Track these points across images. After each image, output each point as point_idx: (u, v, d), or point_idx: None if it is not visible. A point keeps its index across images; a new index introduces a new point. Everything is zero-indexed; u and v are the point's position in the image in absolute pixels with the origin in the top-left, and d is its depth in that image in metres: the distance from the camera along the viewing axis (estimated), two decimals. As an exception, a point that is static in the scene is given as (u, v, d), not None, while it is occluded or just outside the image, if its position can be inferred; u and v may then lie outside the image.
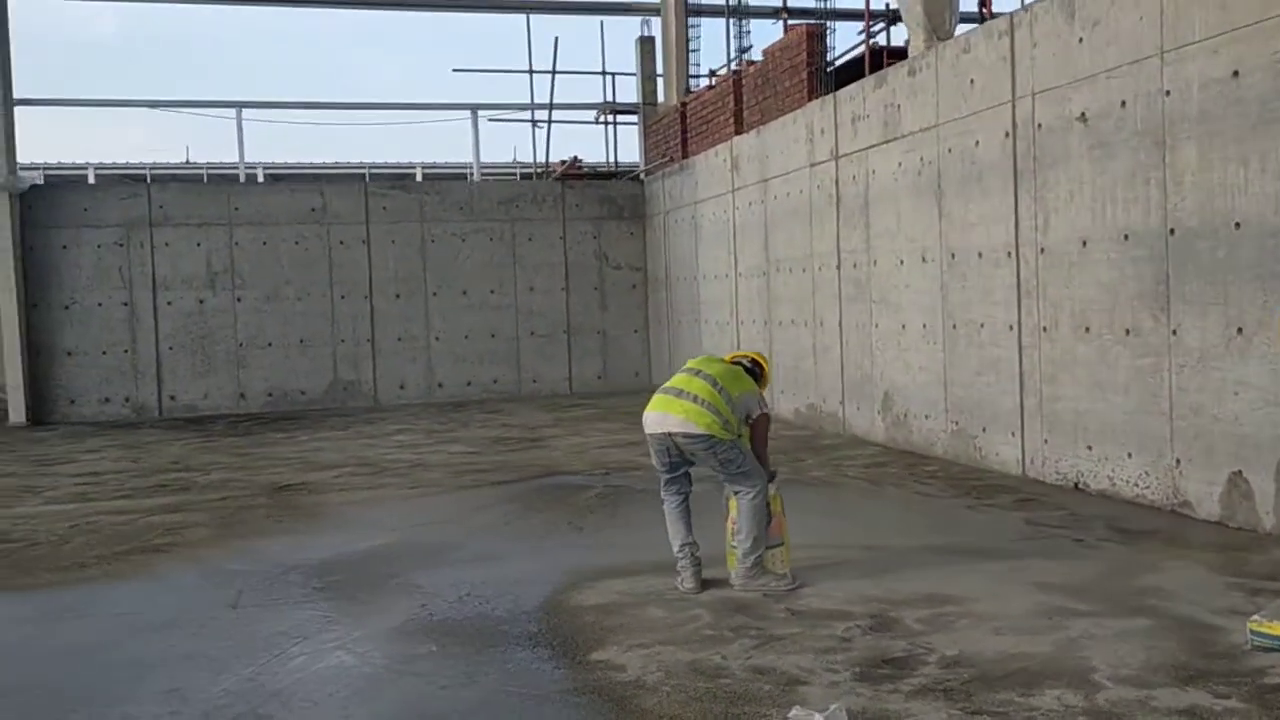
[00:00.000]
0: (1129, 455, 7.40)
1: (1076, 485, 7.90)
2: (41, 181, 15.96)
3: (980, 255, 8.98)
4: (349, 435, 12.88)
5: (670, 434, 5.58)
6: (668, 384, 5.81)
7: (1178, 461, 6.98)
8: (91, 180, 22.16)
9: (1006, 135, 8.55)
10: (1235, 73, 6.37)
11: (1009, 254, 8.60)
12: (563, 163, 18.24)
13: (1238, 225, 6.40)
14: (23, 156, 15.84)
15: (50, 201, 15.70)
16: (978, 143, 8.94)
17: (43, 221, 15.55)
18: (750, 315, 13.80)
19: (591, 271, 17.65)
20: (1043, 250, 8.20)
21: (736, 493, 5.65)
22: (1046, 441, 8.25)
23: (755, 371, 5.93)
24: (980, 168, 8.93)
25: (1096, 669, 4.25)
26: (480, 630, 5.07)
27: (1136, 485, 7.33)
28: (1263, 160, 6.21)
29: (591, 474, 9.41)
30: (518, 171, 23.23)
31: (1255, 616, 4.45)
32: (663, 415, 5.63)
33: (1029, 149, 8.29)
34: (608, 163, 18.98)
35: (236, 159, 19.14)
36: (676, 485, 5.77)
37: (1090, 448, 7.78)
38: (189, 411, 15.96)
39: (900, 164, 10.11)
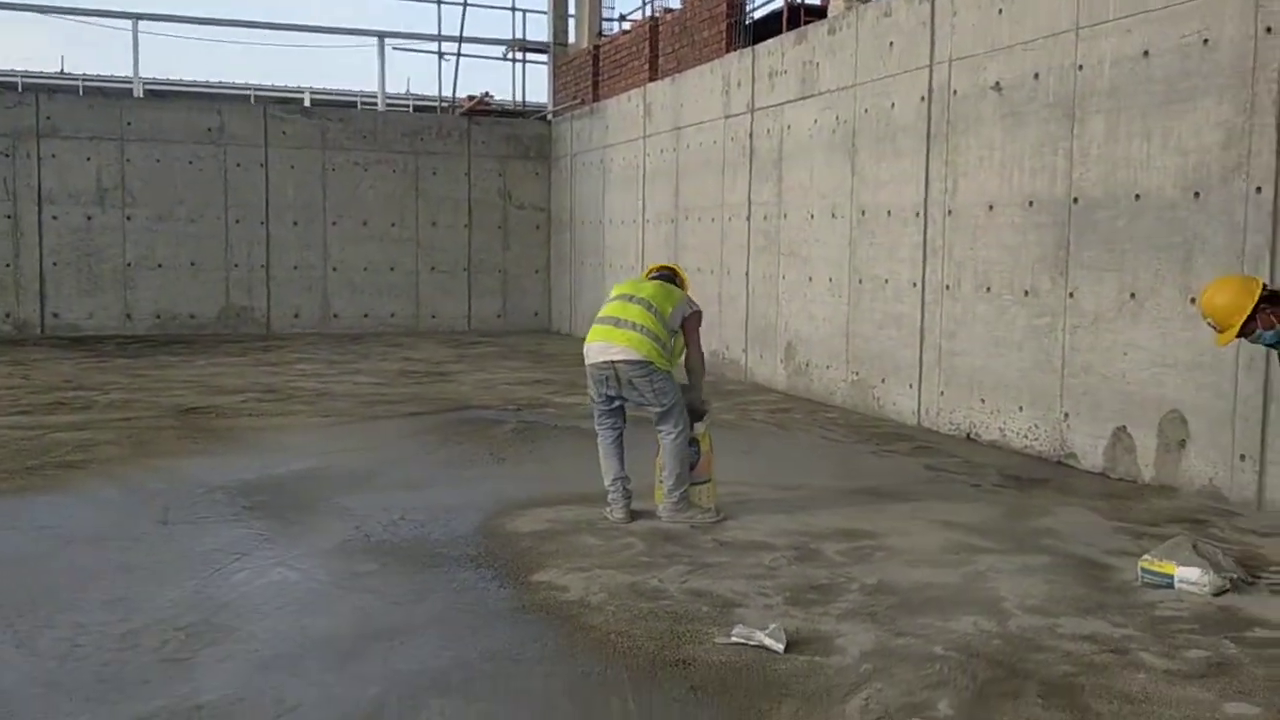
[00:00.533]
0: (1020, 409, 7.89)
1: (969, 435, 8.38)
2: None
3: (889, 213, 9.34)
4: (247, 362, 12.67)
5: (613, 362, 5.74)
6: (603, 313, 5.95)
7: (1066, 416, 7.47)
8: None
9: (922, 99, 8.88)
10: (1146, 52, 6.78)
11: (917, 214, 8.97)
12: (470, 98, 18.02)
13: (1138, 197, 6.85)
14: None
15: (-74, 104, 14.84)
16: (893, 104, 9.26)
17: (-83, 124, 14.71)
18: (656, 261, 13.97)
19: (495, 210, 17.56)
20: (950, 212, 8.58)
21: (660, 431, 5.88)
22: (943, 394, 8.70)
23: (675, 280, 6.15)
24: (894, 129, 9.25)
25: (1005, 599, 4.62)
26: (419, 552, 5.19)
27: (1026, 437, 7.83)
28: (1165, 137, 6.65)
29: (504, 409, 9.52)
30: (410, 104, 22.84)
31: (1146, 556, 4.89)
32: (605, 345, 5.79)
33: (943, 113, 8.63)
34: (514, 101, 18.83)
35: (127, 72, 18.30)
36: (612, 420, 5.95)
37: (984, 400, 8.25)
38: (72, 331, 15.41)
39: (816, 120, 10.38)
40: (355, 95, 23.70)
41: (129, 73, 18.02)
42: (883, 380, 9.46)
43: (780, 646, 3.96)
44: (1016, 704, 3.56)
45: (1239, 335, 4.67)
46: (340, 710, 3.45)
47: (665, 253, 13.64)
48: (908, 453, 7.90)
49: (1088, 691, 3.66)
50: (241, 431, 8.20)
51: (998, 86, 8.03)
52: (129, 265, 15.78)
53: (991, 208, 8.13)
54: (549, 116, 17.90)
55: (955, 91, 8.50)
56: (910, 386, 9.08)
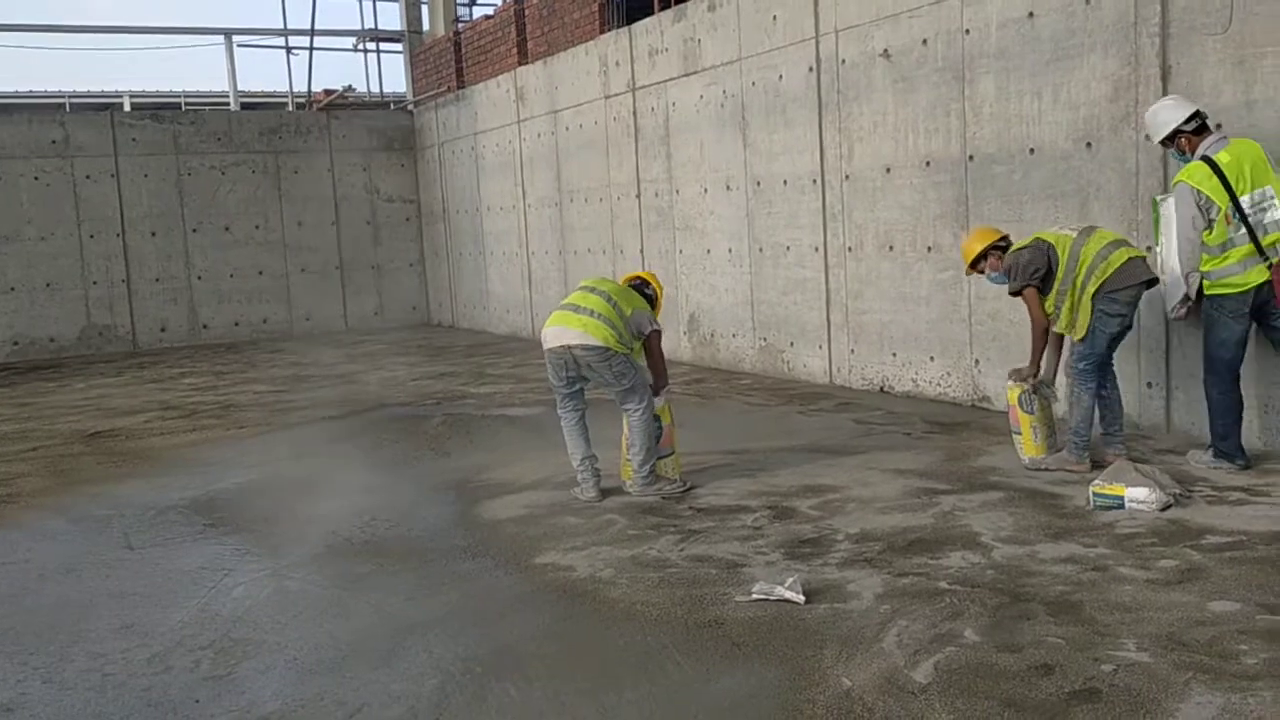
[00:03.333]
0: (931, 359, 8.32)
1: (882, 389, 8.79)
2: None
3: (785, 183, 9.65)
4: (128, 380, 12.16)
5: (569, 346, 5.83)
6: (565, 301, 6.07)
7: (977, 362, 7.93)
8: None
9: (810, 70, 9.20)
10: (1030, 13, 7.22)
11: (814, 181, 9.30)
12: (326, 92, 17.59)
13: (1032, 151, 7.31)
14: None
15: None
16: (781, 76, 9.55)
17: None
18: (542, 246, 14.04)
19: (363, 205, 17.24)
20: (847, 177, 8.94)
21: (625, 409, 6.01)
22: (853, 351, 9.08)
23: (648, 291, 6.24)
24: (784, 100, 9.56)
25: (980, 534, 4.95)
26: (408, 549, 5.20)
27: (939, 385, 8.27)
28: (1055, 93, 7.12)
29: (422, 405, 9.46)
30: (243, 101, 22.16)
31: (1096, 481, 5.30)
32: (561, 330, 5.88)
33: (833, 83, 8.97)
34: (372, 93, 18.46)
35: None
36: (573, 402, 6.05)
37: (895, 354, 8.66)
38: (-80, 365, 14.45)
39: (702, 96, 10.61)
40: (210, 96, 22.86)
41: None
42: (791, 344, 9.79)
43: (801, 598, 4.17)
44: (1032, 624, 3.85)
45: (971, 270, 6.39)
46: (407, 705, 3.48)
47: (553, 237, 13.70)
48: (832, 409, 8.24)
49: (1088, 606, 3.99)
50: (161, 451, 7.93)
51: (886, 54, 8.40)
52: (-23, 290, 14.87)
53: (889, 170, 8.52)
54: (410, 107, 17.64)
55: (844, 61, 8.84)
56: (820, 347, 9.44)
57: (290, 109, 18.55)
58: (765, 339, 10.12)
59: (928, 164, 8.16)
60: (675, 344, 11.44)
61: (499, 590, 4.57)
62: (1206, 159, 5.57)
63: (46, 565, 5.18)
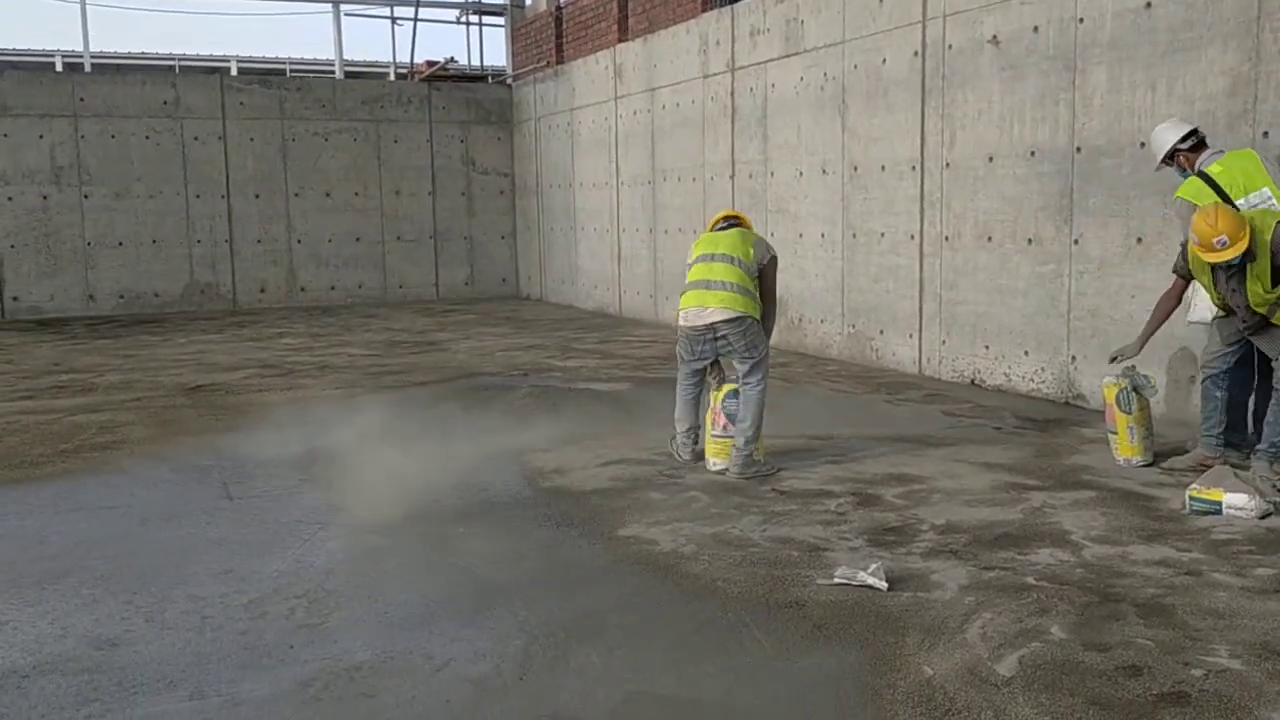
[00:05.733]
0: (1025, 354, 8.17)
1: (973, 381, 8.66)
2: None
3: (883, 168, 9.54)
4: (228, 338, 12.53)
5: (712, 324, 5.99)
6: (693, 278, 6.14)
7: (1073, 359, 7.77)
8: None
9: (916, 54, 9.06)
10: (1148, 4, 7.01)
11: (913, 167, 9.17)
12: (429, 64, 17.83)
13: (1143, 145, 7.10)
14: None
15: None
16: (885, 60, 9.42)
17: None
18: (634, 223, 14.08)
19: (459, 176, 17.46)
20: (948, 165, 8.80)
21: (746, 383, 6.04)
22: (944, 342, 8.96)
23: (738, 224, 6.32)
24: (887, 84, 9.43)
25: (1070, 532, 4.87)
26: (495, 515, 5.29)
27: (1032, 380, 8.12)
28: (1169, 86, 6.91)
29: (510, 375, 9.59)
30: (346, 70, 22.53)
31: (1193, 485, 5.17)
32: (700, 309, 6.03)
33: (938, 68, 8.82)
34: (471, 65, 18.65)
35: (75, 47, 17.76)
36: (696, 376, 6.24)
37: (987, 347, 8.52)
38: (34, 313, 15.06)
39: (802, 78, 10.52)
40: (313, 64, 23.35)
41: (78, 47, 17.48)
42: (880, 332, 9.70)
43: (884, 585, 4.15)
44: (1121, 625, 3.79)
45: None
46: (492, 663, 3.56)
47: (644, 215, 13.73)
48: (920, 400, 8.15)
49: (1180, 610, 3.91)
50: (260, 407, 8.17)
51: (995, 40, 8.24)
52: (89, 244, 15.44)
53: (991, 159, 8.36)
54: (509, 80, 17.79)
55: (950, 46, 8.68)
56: (910, 336, 9.33)
57: (391, 79, 18.86)
58: (854, 326, 10.04)
59: (1032, 154, 7.99)
60: (763, 327, 11.40)
61: (583, 559, 4.64)
62: (1200, 173, 5.80)
63: (150, 511, 5.39)
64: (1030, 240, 8.07)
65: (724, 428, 6.03)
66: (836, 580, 4.22)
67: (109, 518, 5.29)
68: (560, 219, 16.29)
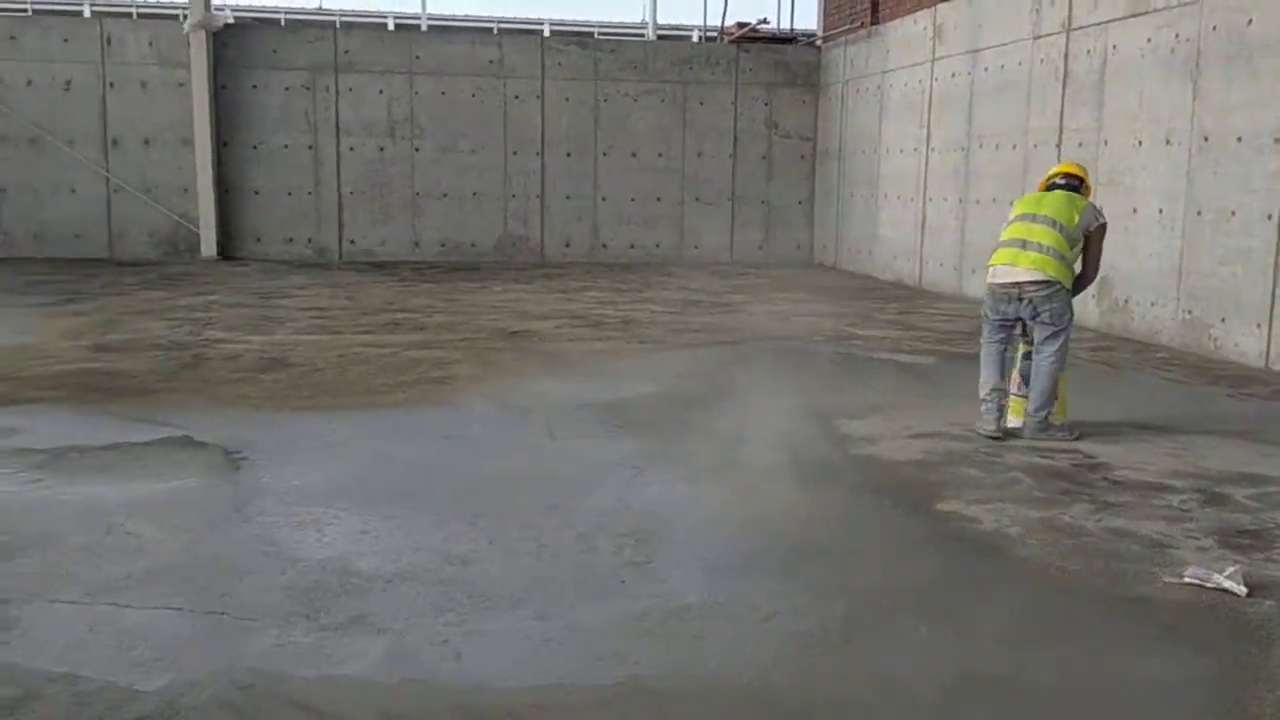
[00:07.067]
0: (1402, 353, 7.24)
1: (1332, 381, 7.77)
2: (232, 21, 16.19)
3: (1240, 140, 8.67)
4: (538, 289, 13.14)
5: (1019, 283, 5.84)
6: (1008, 235, 6.01)
7: None
8: (282, 23, 22.42)
9: (1289, 13, 8.15)
10: None
11: (1276, 140, 8.28)
12: (739, 25, 17.87)
13: None
14: (214, -5, 16.05)
15: (241, 41, 15.95)
16: (1251, 21, 8.53)
17: (234, 61, 15.84)
18: (941, 192, 13.57)
19: (760, 139, 17.44)
20: (1320, 137, 7.89)
21: (1040, 351, 5.93)
22: (1299, 335, 8.09)
23: (1076, 185, 6.10)
24: (1251, 47, 8.54)
25: None
26: (804, 475, 5.25)
27: None
28: None
29: (810, 341, 9.50)
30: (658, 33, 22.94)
31: None
32: (1011, 268, 5.89)
33: (1317, 29, 7.90)
34: (781, 29, 18.53)
35: (412, 8, 19.10)
36: (1002, 335, 6.06)
37: (1354, 344, 7.61)
38: (367, 256, 16.39)
39: (1150, 40, 9.71)
40: (619, 27, 24.06)
41: (415, 9, 18.76)
42: (1222, 320, 8.87)
43: (1243, 590, 3.80)
44: None
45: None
46: (817, 621, 3.54)
47: (955, 183, 13.21)
48: (1268, 396, 7.40)
49: None
50: (572, 355, 8.51)
51: (1393, -3, 7.27)
52: (417, 195, 16.59)
53: (1376, 132, 7.41)
54: (818, 42, 17.54)
55: (1334, 4, 7.75)
56: (1258, 326, 8.48)
57: (696, 40, 19.04)
58: (1190, 311, 9.24)
59: None
60: (1081, 307, 10.68)
61: (901, 529, 4.53)
62: None
63: (482, 443, 5.74)
64: None
65: (1019, 386, 6.03)
66: (1187, 580, 3.90)
67: (446, 446, 5.67)
68: (861, 186, 15.95)
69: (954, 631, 3.50)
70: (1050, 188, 6.15)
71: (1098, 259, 6.04)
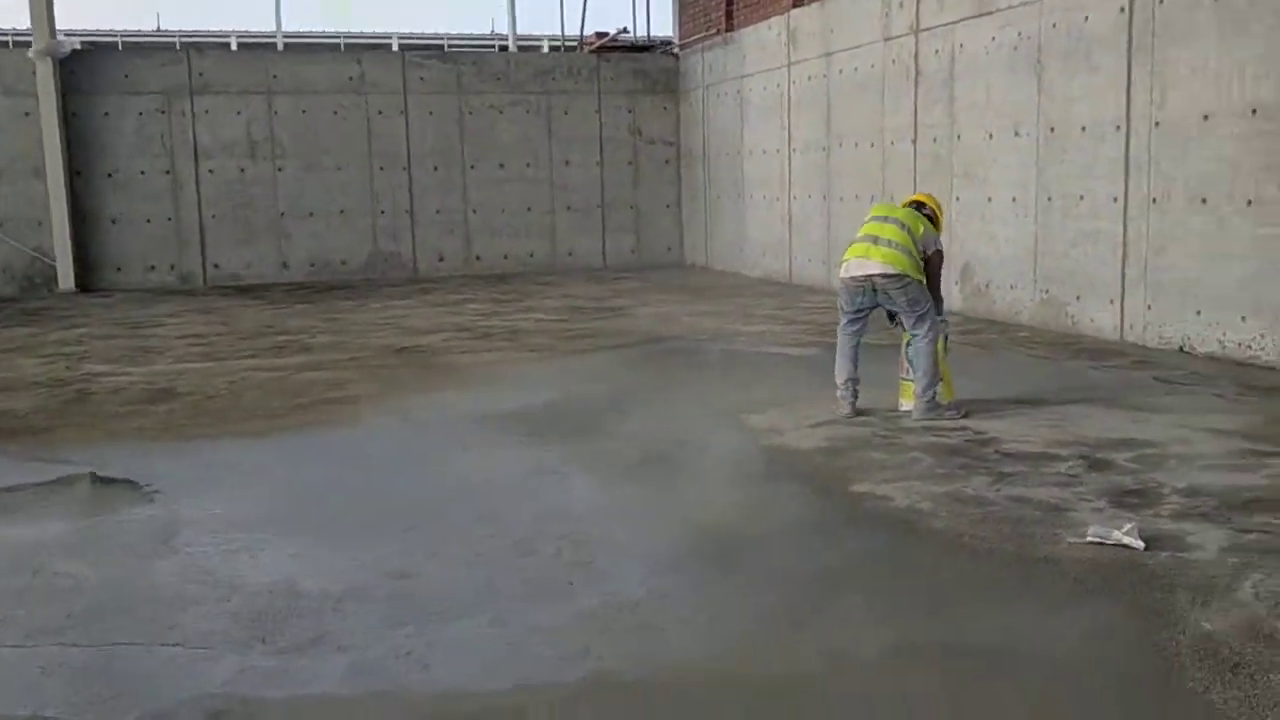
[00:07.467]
0: (1243, 319, 7.87)
1: (1181, 348, 8.38)
2: (79, 47, 15.55)
3: (1083, 129, 9.27)
4: (417, 304, 13.05)
5: (870, 275, 6.31)
6: (861, 234, 6.52)
7: (1297, 325, 7.45)
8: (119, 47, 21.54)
9: (1122, 10, 8.76)
10: (1395, -49, 6.64)
11: (1117, 128, 8.90)
12: (599, 34, 18.07)
13: (1385, 100, 6.75)
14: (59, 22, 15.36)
15: (90, 67, 15.33)
16: (1087, 18, 9.14)
17: (84, 88, 15.22)
18: (805, 190, 14.04)
19: (625, 146, 17.67)
20: (1157, 124, 8.51)
21: (914, 335, 6.39)
22: (1150, 308, 8.69)
23: (925, 212, 6.68)
24: (1088, 43, 9.15)
25: (1324, 497, 4.72)
26: (721, 470, 5.43)
27: (1251, 347, 7.82)
28: None
29: (697, 340, 9.73)
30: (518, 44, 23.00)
31: None
32: (863, 260, 6.35)
33: (1148, 24, 8.52)
34: (638, 36, 18.80)
35: (267, 28, 18.68)
36: (855, 328, 6.52)
37: (1199, 313, 8.24)
38: (233, 280, 15.96)
39: (994, 38, 10.29)
40: (475, 39, 24.03)
41: (270, 28, 18.37)
42: (1078, 298, 9.47)
43: (1140, 545, 4.12)
44: (1403, 589, 3.68)
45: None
46: (761, 604, 3.71)
47: (817, 181, 13.68)
48: (1128, 366, 7.95)
49: None
50: (466, 367, 8.52)
51: (1214, -6, 7.91)
52: (282, 215, 16.24)
53: (1206, 118, 8.05)
54: (676, 50, 17.88)
55: (1162, 1, 8.37)
56: (1111, 302, 9.09)
57: (545, 51, 19.14)
58: (1047, 291, 9.82)
59: (1254, 112, 7.66)
60: (946, 292, 11.21)
61: (822, 513, 4.75)
62: None
63: (396, 459, 5.74)
64: (1250, 202, 7.75)
65: (907, 371, 6.47)
66: (1090, 539, 4.21)
67: (360, 465, 5.65)
68: (727, 187, 16.34)
69: (888, 603, 3.72)
70: (905, 205, 6.80)
71: (937, 286, 6.58)
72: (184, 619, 3.63)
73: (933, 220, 6.65)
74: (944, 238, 10.87)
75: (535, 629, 3.50)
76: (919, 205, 6.74)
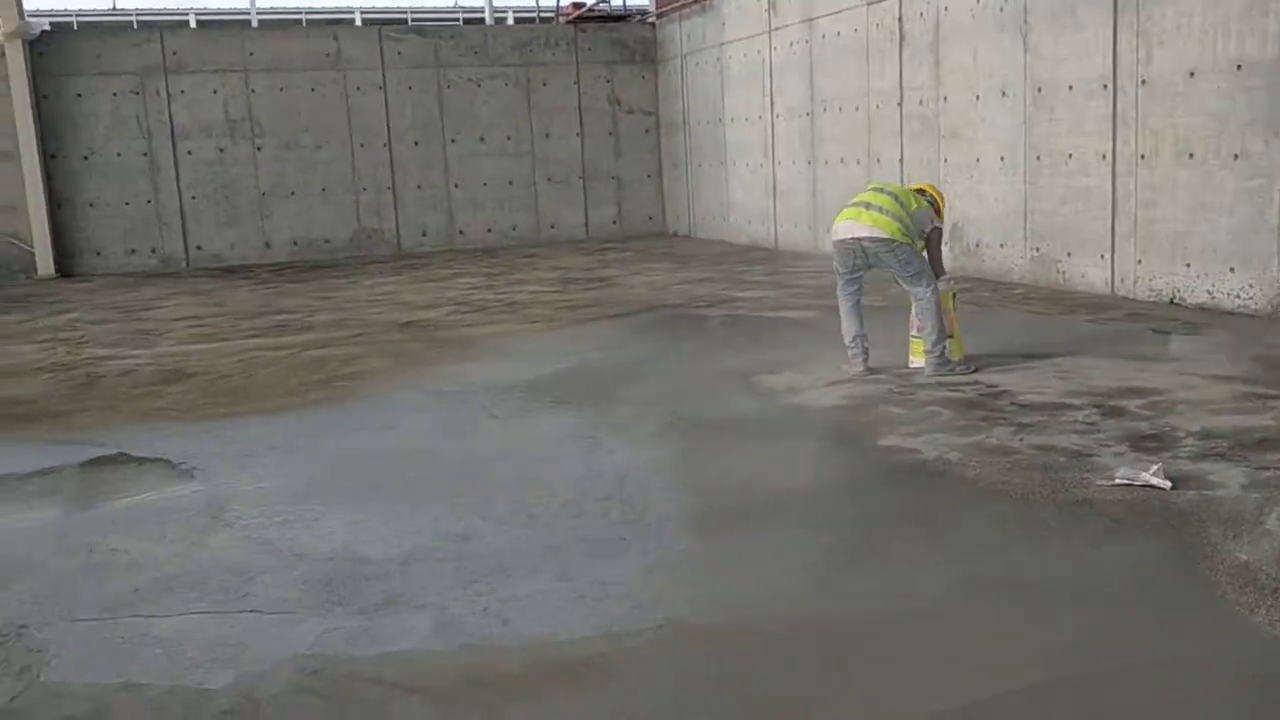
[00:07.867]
0: (1231, 270, 8.08)
1: (1172, 300, 8.59)
2: (49, 28, 15.34)
3: (1071, 88, 9.43)
4: (407, 280, 13.06)
5: (858, 238, 6.46)
6: (854, 200, 6.72)
7: (1286, 274, 7.67)
8: (73, 27, 21.20)
9: (1108, -31, 8.90)
10: (1380, -95, 6.80)
11: (1105, 86, 9.05)
12: (575, 4, 18.03)
13: (1371, 51, 6.93)
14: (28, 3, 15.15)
15: (62, 49, 15.14)
16: (1073, -23, 9.27)
17: (55, 70, 15.03)
18: (789, 156, 14.14)
19: (605, 117, 17.67)
20: (1144, 81, 8.67)
21: (914, 293, 6.52)
22: (1140, 262, 8.89)
23: (931, 200, 6.81)
24: (1074, 2, 9.29)
25: (1332, 435, 4.91)
26: (746, 429, 5.57)
27: (1239, 297, 8.04)
28: (1403, -11, 6.71)
29: (695, 306, 9.84)
30: (494, 16, 22.87)
31: None
32: (851, 224, 6.52)
33: (1134, -17, 8.66)
34: (613, 6, 18.77)
35: (240, 4, 18.47)
36: (852, 287, 6.66)
37: (1188, 265, 8.44)
38: (216, 261, 15.88)
39: (979, 0, 10.41)
40: (437, 12, 23.82)
41: (230, 5, 18.15)
42: (1069, 254, 9.65)
43: (1167, 484, 4.30)
44: None
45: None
46: (818, 550, 3.84)
47: (802, 147, 13.78)
48: (1123, 319, 8.15)
49: None
50: (474, 339, 8.59)
51: (1200, -49, 8.06)
52: (263, 195, 16.15)
53: (1192, 74, 8.22)
54: (652, 19, 17.87)
55: (1147, -41, 8.52)
56: (1101, 258, 9.28)
57: (511, 21, 19.07)
58: (1038, 249, 10.00)
59: (1239, 68, 7.83)
60: (936, 254, 11.42)
61: (855, 466, 4.89)
62: None
63: (428, 429, 5.82)
64: (1236, 156, 7.94)
65: (917, 329, 6.60)
66: (1119, 481, 4.38)
67: (393, 436, 5.72)
68: (709, 155, 16.40)
69: (940, 546, 3.86)
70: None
71: (939, 259, 6.74)
72: (254, 587, 3.71)
73: (934, 208, 6.75)
74: (933, 199, 11.14)
75: (603, 582, 3.61)
76: (920, 191, 6.87)
